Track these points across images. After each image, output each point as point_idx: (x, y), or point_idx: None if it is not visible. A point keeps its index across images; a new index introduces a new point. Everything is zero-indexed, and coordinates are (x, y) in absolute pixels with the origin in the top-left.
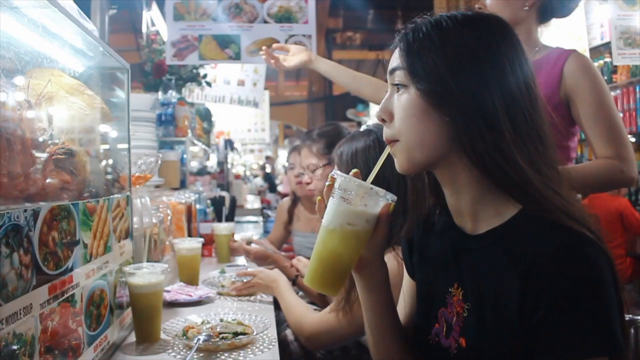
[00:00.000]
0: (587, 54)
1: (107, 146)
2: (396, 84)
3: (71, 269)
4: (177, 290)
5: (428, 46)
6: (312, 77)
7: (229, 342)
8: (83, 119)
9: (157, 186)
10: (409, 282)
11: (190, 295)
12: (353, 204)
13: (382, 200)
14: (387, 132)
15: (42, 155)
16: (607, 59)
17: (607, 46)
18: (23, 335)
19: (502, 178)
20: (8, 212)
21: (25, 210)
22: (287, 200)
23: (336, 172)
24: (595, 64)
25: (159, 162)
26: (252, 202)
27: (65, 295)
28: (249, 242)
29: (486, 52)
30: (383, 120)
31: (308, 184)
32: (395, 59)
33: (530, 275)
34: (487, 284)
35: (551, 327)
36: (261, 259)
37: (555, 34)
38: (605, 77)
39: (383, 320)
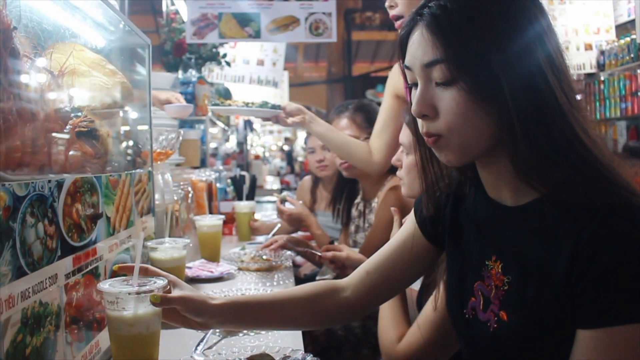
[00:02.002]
0: (613, 31)
1: (128, 122)
2: (439, 83)
3: (95, 242)
4: (198, 267)
5: (471, 31)
6: (331, 58)
7: None
8: (104, 93)
9: (178, 164)
10: (420, 243)
11: (211, 272)
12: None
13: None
14: (429, 128)
15: (65, 128)
16: (634, 36)
17: (634, 23)
18: (49, 304)
19: (556, 158)
20: (33, 183)
21: (50, 181)
22: (307, 180)
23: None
24: (622, 42)
25: (180, 138)
26: (272, 182)
27: (90, 268)
28: (283, 201)
29: (531, 25)
30: (424, 117)
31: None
32: (428, 48)
33: (579, 246)
34: (530, 256)
35: (599, 296)
36: (295, 221)
37: (581, 11)
38: (632, 55)
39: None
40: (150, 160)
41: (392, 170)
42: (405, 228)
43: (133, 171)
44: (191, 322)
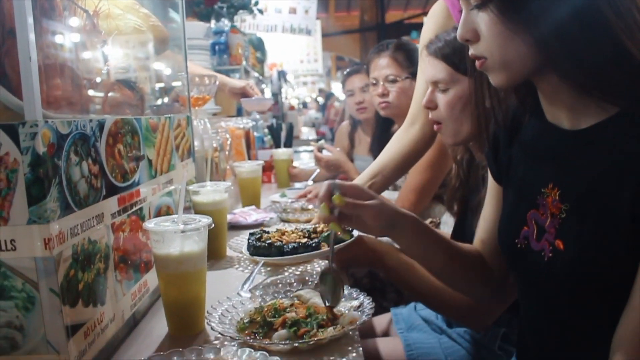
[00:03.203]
0: None
1: (165, 68)
2: (474, 6)
3: (138, 183)
4: (239, 214)
5: None
6: (364, 6)
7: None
8: (139, 36)
9: (215, 114)
10: (494, 187)
11: (246, 218)
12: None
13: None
14: (474, 50)
15: (103, 70)
16: None
17: None
18: (97, 242)
19: (608, 76)
20: (75, 121)
21: (91, 121)
22: (346, 125)
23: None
24: None
25: (217, 82)
26: (307, 133)
27: (134, 209)
28: (320, 149)
29: None
30: (467, 41)
31: (384, 95)
32: None
33: None
34: (590, 182)
35: None
36: (332, 167)
37: None
38: None
39: (436, 253)
40: (188, 105)
41: None
42: (490, 185)
43: (172, 115)
44: (371, 228)
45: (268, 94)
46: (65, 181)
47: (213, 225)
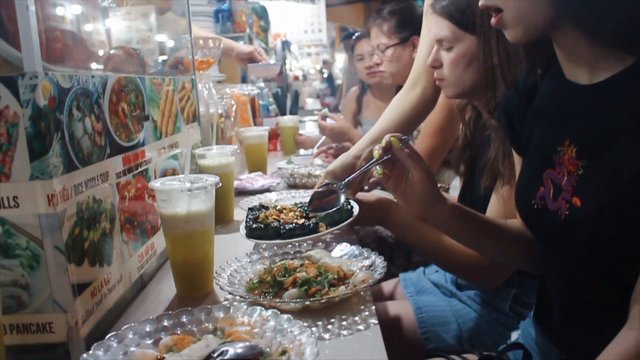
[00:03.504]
0: None
1: (168, 30)
2: None
3: (143, 144)
4: (245, 180)
5: None
6: None
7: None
8: (141, 8)
9: (219, 82)
10: (518, 158)
11: (259, 183)
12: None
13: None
14: (487, 1)
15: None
16: None
17: None
18: (103, 201)
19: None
20: (76, 75)
21: (93, 77)
22: (354, 90)
23: None
24: None
25: (221, 45)
26: (312, 104)
27: (140, 170)
28: (324, 117)
29: None
30: None
31: (378, 64)
32: None
33: None
34: (607, 136)
35: None
36: (338, 135)
37: None
38: None
39: (478, 237)
40: (193, 68)
41: None
42: (515, 157)
43: (176, 77)
44: (412, 201)
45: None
46: (68, 137)
47: (220, 184)
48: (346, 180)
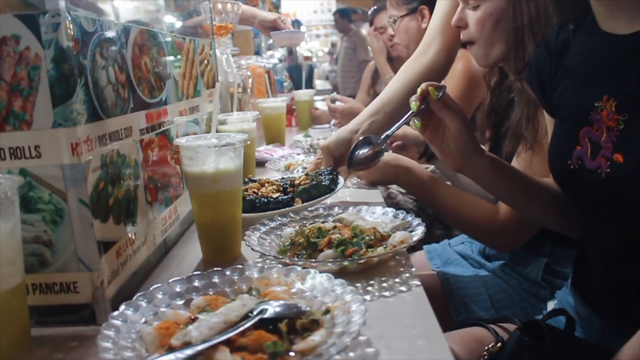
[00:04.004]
0: None
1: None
2: None
3: (165, 102)
4: (264, 151)
5: None
6: None
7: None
8: None
9: (233, 55)
10: (550, 120)
11: (272, 155)
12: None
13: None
14: None
15: None
16: None
17: None
18: (127, 157)
19: None
20: (100, 20)
21: (116, 24)
22: (372, 65)
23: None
24: None
25: (239, 10)
26: (321, 85)
27: (162, 129)
28: (333, 101)
29: None
30: None
31: (392, 37)
32: None
33: None
34: None
35: None
36: (348, 116)
37: None
38: None
39: (513, 191)
40: (211, 32)
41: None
42: (547, 119)
43: (196, 39)
44: (449, 153)
45: None
46: (92, 84)
47: (249, 141)
48: (385, 135)
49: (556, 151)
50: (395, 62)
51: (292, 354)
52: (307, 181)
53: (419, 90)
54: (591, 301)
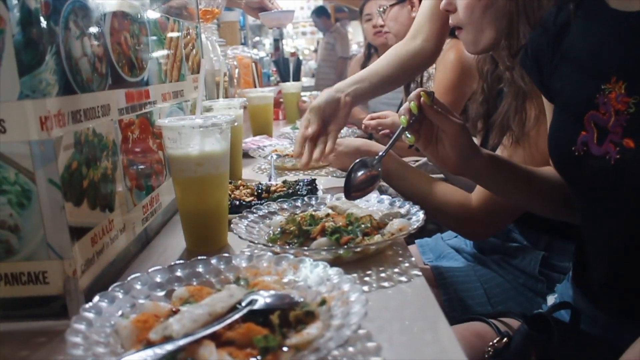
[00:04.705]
0: None
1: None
2: None
3: (147, 83)
4: (250, 142)
5: None
6: None
7: None
8: None
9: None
10: (549, 105)
11: (259, 145)
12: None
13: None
14: None
15: None
16: None
17: None
18: (104, 137)
19: None
20: None
21: None
22: (360, 56)
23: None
24: None
25: None
26: (307, 82)
27: (144, 110)
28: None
29: None
30: None
31: (382, 26)
32: None
33: None
34: None
35: None
36: None
37: None
38: None
39: (514, 186)
40: (197, 16)
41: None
42: (545, 105)
43: (180, 20)
44: (445, 158)
45: (270, 39)
46: (64, 54)
47: (237, 123)
48: (379, 156)
49: (558, 137)
50: (380, 51)
51: (285, 349)
52: (284, 189)
53: (410, 103)
54: (593, 296)
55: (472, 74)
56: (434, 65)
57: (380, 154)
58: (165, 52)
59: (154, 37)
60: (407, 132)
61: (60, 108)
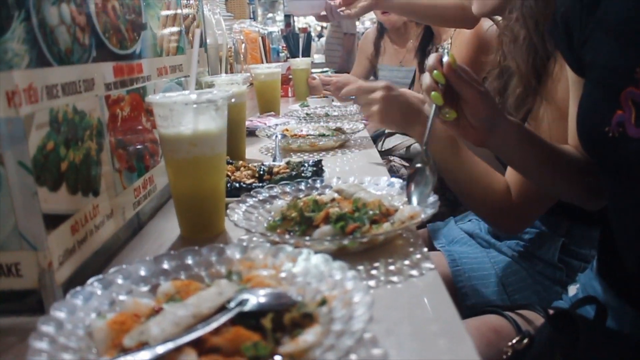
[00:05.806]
0: None
1: None
2: None
3: (140, 56)
4: (256, 120)
5: None
6: None
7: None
8: None
9: (226, 20)
10: (575, 81)
11: (272, 123)
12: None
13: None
14: None
15: None
16: None
17: None
18: (87, 115)
19: None
20: None
21: None
22: (372, 31)
23: None
24: None
25: None
26: (319, 59)
27: (136, 85)
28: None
29: None
30: None
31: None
32: None
33: None
34: None
35: None
36: (343, 87)
37: None
38: None
39: (541, 163)
40: None
41: None
42: (571, 79)
43: None
44: (469, 128)
45: (281, 16)
46: (37, 21)
47: (234, 99)
48: (423, 149)
49: (589, 116)
50: (390, 33)
51: (277, 357)
52: (287, 170)
53: (428, 72)
54: (621, 289)
55: (489, 49)
56: (449, 40)
57: (423, 146)
58: (161, 22)
59: (148, 6)
60: (444, 110)
61: (32, 82)
